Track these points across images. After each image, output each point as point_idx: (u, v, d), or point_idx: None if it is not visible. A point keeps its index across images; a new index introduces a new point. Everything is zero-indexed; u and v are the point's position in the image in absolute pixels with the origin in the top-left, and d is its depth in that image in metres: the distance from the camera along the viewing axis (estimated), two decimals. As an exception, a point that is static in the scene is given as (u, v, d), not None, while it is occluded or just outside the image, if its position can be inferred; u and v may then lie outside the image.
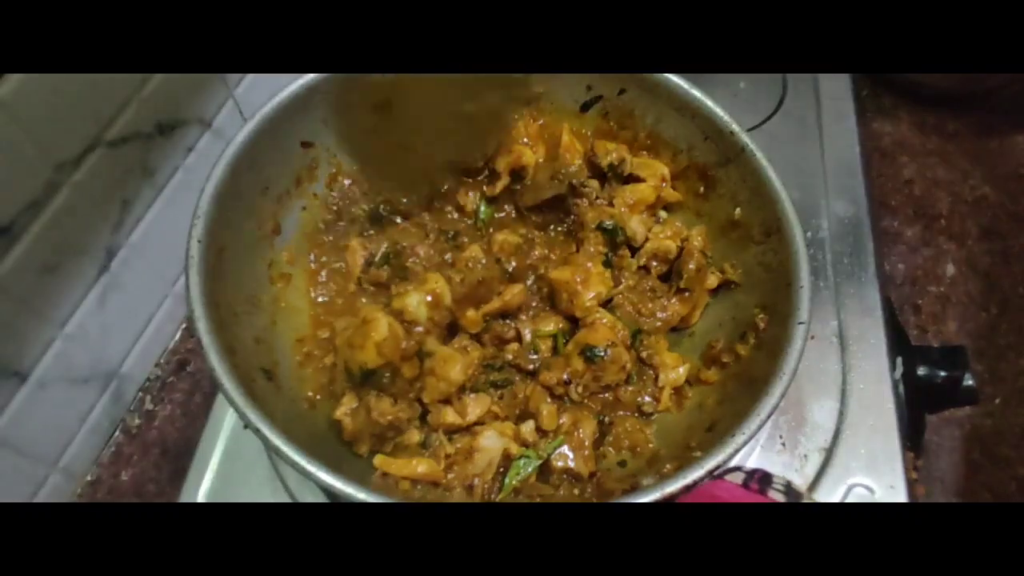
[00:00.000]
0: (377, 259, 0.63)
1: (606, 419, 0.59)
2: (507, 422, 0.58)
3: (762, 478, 0.54)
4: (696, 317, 0.64)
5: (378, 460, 0.54)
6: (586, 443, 0.57)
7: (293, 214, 0.65)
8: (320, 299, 0.63)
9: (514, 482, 0.54)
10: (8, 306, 0.56)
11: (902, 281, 0.86)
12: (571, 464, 0.56)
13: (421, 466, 0.53)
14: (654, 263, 0.65)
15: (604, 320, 0.60)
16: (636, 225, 0.65)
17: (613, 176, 0.68)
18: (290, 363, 0.59)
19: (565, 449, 0.56)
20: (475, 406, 0.57)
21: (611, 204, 0.67)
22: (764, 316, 0.58)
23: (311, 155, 0.65)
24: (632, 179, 0.68)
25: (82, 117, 0.59)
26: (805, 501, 0.53)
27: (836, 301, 0.71)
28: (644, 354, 0.61)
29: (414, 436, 0.56)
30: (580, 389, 0.59)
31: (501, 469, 0.55)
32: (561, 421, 0.58)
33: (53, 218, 0.58)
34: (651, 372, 0.61)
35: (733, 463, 0.60)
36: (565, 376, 0.59)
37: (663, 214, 0.69)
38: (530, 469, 0.55)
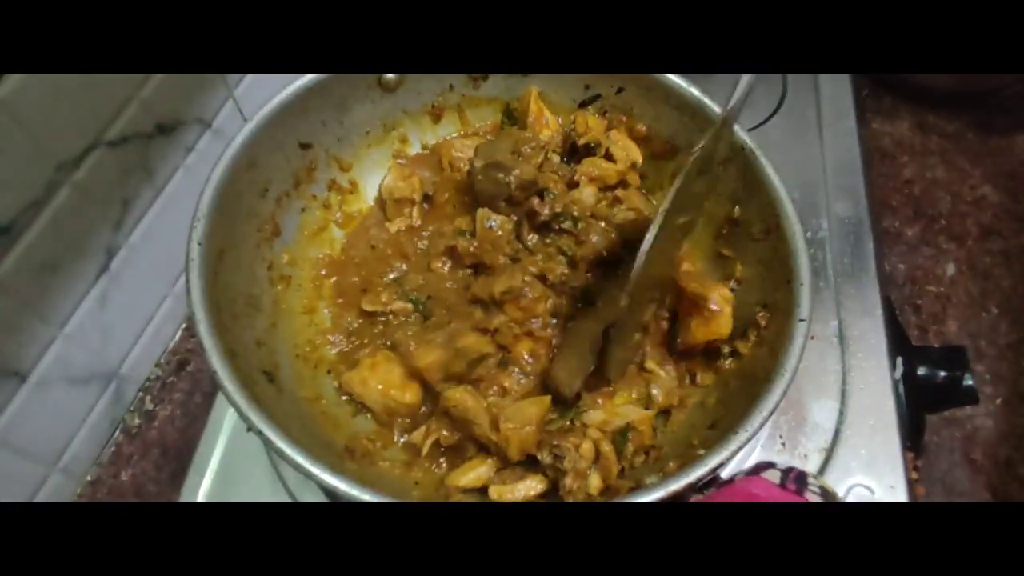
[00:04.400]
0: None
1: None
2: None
3: (798, 477, 0.54)
4: None
5: (493, 492, 0.53)
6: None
7: (293, 216, 0.65)
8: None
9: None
10: (8, 306, 0.56)
11: (902, 281, 0.86)
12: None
13: (531, 486, 0.54)
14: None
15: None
16: (587, 195, 0.65)
17: (585, 152, 0.68)
18: (291, 364, 0.59)
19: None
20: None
21: (573, 179, 0.66)
22: (765, 314, 0.58)
23: (309, 156, 0.65)
24: (604, 156, 0.68)
25: (82, 117, 0.59)
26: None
27: (836, 301, 0.71)
28: None
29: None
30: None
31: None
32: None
33: (53, 218, 0.58)
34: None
35: (737, 461, 0.60)
36: None
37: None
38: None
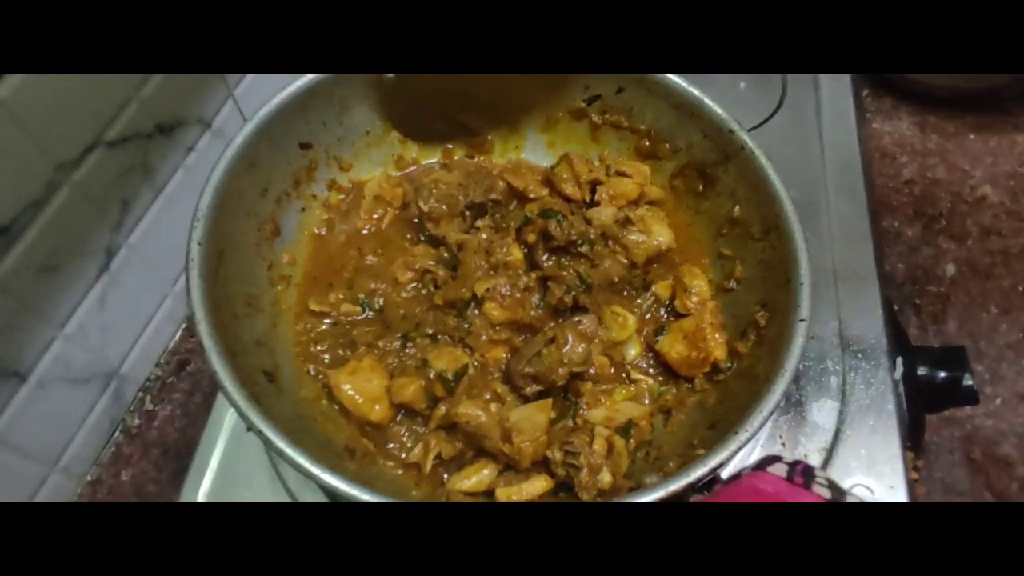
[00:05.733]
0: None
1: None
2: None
3: (804, 471, 0.53)
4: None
5: (501, 494, 0.53)
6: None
7: (292, 215, 0.65)
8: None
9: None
10: (8, 306, 0.56)
11: (902, 281, 0.86)
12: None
13: (537, 486, 0.54)
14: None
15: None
16: (605, 215, 0.65)
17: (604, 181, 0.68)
18: (291, 364, 0.59)
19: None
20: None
21: (593, 201, 0.67)
22: (764, 313, 0.58)
23: (309, 156, 0.65)
24: (620, 175, 0.69)
25: (82, 117, 0.59)
26: (848, 499, 0.53)
27: (836, 301, 0.71)
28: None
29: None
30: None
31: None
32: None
33: (53, 218, 0.58)
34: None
35: (737, 461, 0.60)
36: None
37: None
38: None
